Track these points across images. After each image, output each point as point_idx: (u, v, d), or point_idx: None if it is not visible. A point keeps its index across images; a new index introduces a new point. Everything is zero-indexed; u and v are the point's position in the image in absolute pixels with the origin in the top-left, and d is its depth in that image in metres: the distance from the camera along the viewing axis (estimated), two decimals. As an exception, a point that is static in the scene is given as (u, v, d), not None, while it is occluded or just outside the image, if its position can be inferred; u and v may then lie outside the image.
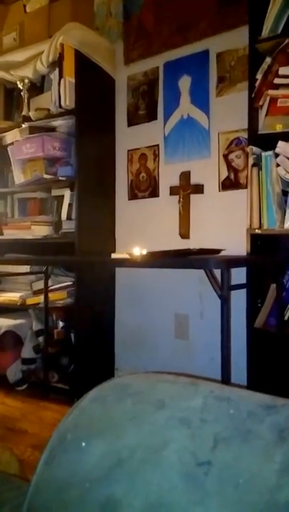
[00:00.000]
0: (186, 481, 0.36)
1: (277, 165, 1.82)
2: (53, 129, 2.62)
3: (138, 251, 1.77)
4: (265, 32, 1.87)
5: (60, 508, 0.41)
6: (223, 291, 1.49)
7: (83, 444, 0.43)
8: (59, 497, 0.41)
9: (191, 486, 0.35)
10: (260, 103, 1.89)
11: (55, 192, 2.70)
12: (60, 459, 0.44)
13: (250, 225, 1.88)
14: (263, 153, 1.86)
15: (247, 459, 0.35)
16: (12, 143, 2.75)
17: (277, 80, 1.85)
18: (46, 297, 2.55)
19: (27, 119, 2.64)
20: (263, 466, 0.34)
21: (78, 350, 2.49)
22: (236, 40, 2.20)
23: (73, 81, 2.43)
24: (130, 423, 0.43)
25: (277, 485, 0.33)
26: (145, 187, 2.61)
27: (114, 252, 2.60)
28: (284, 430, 0.37)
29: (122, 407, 0.45)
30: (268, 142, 1.85)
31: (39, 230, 2.62)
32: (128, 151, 2.67)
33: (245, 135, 2.11)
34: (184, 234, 2.42)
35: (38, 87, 2.77)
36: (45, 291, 2.55)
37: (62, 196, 2.58)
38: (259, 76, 1.89)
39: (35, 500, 0.44)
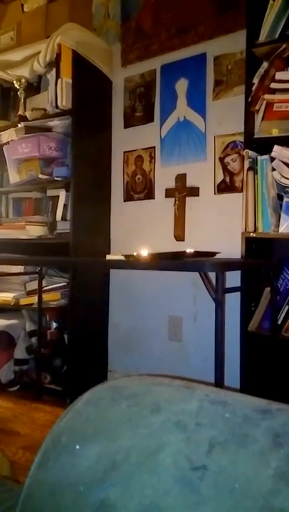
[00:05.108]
0: (181, 485, 0.36)
1: (273, 169, 1.83)
2: (49, 129, 2.61)
3: (133, 253, 1.77)
4: (263, 36, 1.88)
5: (54, 511, 0.40)
6: (218, 294, 1.49)
7: (77, 446, 0.43)
8: (53, 500, 0.41)
9: (186, 490, 0.35)
10: (257, 107, 1.90)
11: (50, 192, 2.69)
12: (54, 462, 0.43)
13: (245, 229, 1.88)
14: (259, 157, 1.86)
15: (242, 463, 0.35)
16: (8, 142, 2.73)
17: (273, 85, 1.86)
18: (40, 298, 2.54)
19: (23, 118, 2.63)
20: (259, 471, 0.34)
21: (71, 352, 2.48)
22: (234, 44, 2.21)
23: (70, 81, 2.43)
24: (125, 426, 0.43)
25: (272, 491, 0.33)
26: (141, 189, 2.61)
27: (108, 253, 2.60)
28: (279, 435, 0.37)
29: (117, 409, 0.45)
30: (264, 146, 1.86)
31: (34, 230, 2.61)
32: (124, 152, 2.67)
33: (241, 139, 2.12)
34: (179, 236, 2.42)
35: (34, 86, 2.76)
36: (39, 291, 2.54)
37: (58, 197, 2.58)
38: (256, 80, 1.90)
39: (29, 503, 0.43)
